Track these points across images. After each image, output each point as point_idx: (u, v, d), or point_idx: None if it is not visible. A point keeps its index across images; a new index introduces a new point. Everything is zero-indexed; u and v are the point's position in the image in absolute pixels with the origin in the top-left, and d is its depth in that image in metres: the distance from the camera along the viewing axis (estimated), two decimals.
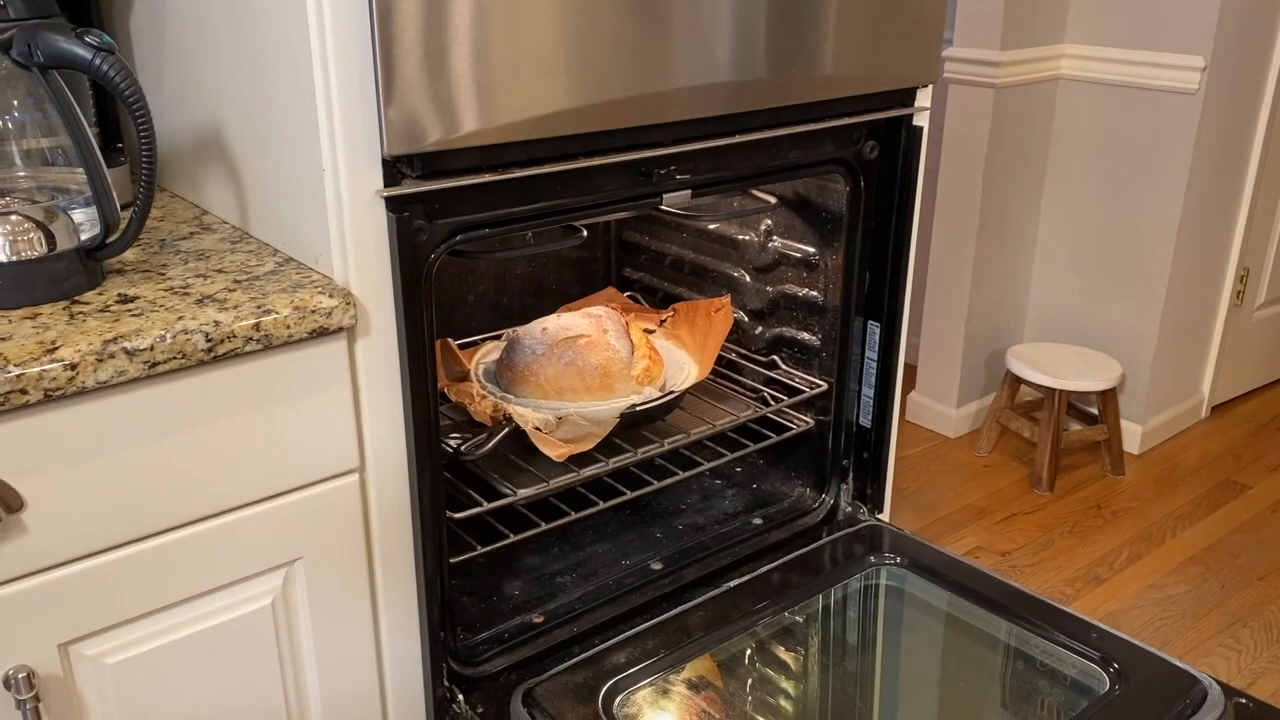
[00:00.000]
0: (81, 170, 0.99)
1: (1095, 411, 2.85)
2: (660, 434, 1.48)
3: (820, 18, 1.22)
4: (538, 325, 1.47)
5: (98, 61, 0.93)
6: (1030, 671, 1.32)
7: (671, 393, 1.48)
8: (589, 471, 1.39)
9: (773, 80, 1.21)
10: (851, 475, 1.59)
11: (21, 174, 1.01)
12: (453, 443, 1.33)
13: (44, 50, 0.94)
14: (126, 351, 0.89)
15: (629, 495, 1.45)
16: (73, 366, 0.86)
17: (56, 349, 0.87)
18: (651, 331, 1.65)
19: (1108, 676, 1.23)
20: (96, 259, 1.01)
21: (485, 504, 1.32)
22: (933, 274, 2.87)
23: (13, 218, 0.96)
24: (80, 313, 0.94)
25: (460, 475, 1.37)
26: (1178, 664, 1.24)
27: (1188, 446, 2.93)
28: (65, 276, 0.97)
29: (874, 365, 1.52)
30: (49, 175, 1.02)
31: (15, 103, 0.98)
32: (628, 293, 1.84)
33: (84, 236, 0.99)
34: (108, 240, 1.00)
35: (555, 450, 1.35)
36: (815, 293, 1.55)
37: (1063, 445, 2.72)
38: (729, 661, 1.35)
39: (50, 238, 0.96)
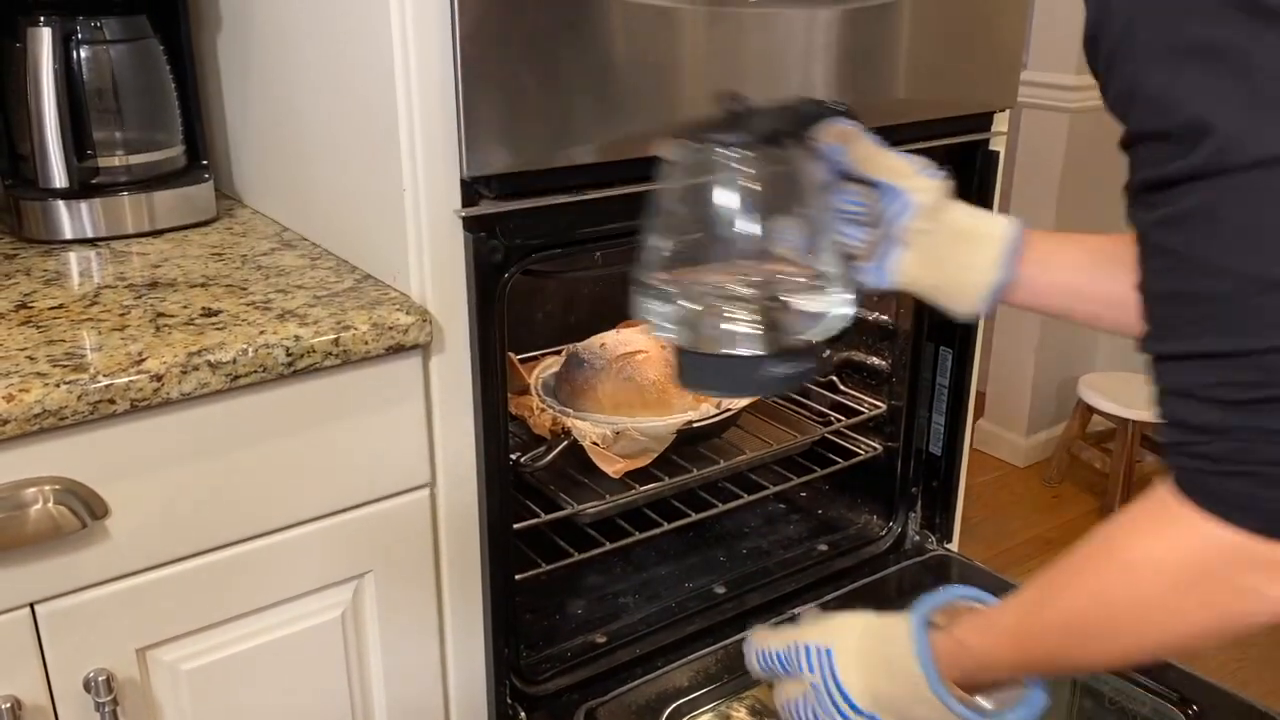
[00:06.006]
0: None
1: None
2: (718, 453, 1.48)
3: (896, 42, 1.21)
4: (596, 340, 1.48)
5: None
6: (1099, 709, 1.28)
7: (728, 410, 1.47)
8: (648, 489, 1.38)
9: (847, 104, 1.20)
10: (920, 503, 1.56)
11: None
12: (513, 455, 1.34)
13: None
14: (210, 364, 0.91)
15: (693, 517, 1.44)
16: (158, 378, 0.89)
17: (143, 360, 0.89)
18: None
19: (1185, 718, 1.19)
20: None
21: (542, 515, 1.32)
22: None
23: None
24: (166, 325, 0.97)
25: (520, 489, 1.37)
26: (1262, 708, 1.19)
27: None
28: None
29: (945, 391, 1.50)
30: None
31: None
32: None
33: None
34: None
35: (612, 465, 1.35)
36: (885, 316, 1.53)
37: (1136, 477, 2.65)
38: None
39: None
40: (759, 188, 0.82)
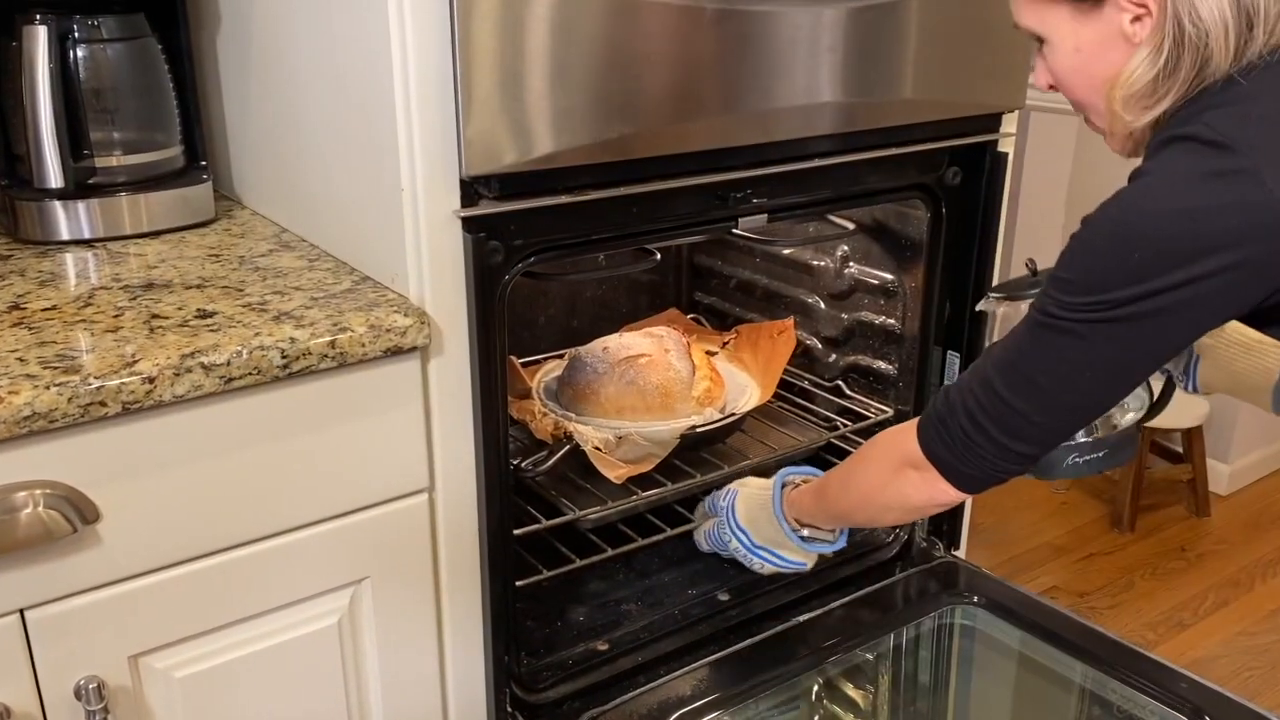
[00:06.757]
0: None
1: (1179, 449, 2.75)
2: (723, 458, 1.46)
3: (904, 42, 1.19)
4: (599, 344, 1.47)
5: None
6: (1109, 718, 1.26)
7: (732, 415, 1.45)
8: (651, 494, 1.37)
9: (854, 104, 1.19)
10: None
11: None
12: (514, 460, 1.32)
13: None
14: (203, 366, 0.89)
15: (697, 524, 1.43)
16: (150, 380, 0.87)
17: (136, 362, 0.88)
18: (714, 353, 1.63)
19: None
20: None
21: (544, 521, 1.30)
22: None
23: None
24: (160, 327, 0.95)
25: (522, 494, 1.36)
26: (1274, 718, 1.17)
27: (1279, 489, 2.81)
28: None
29: None
30: None
31: None
32: (691, 315, 1.83)
33: None
34: None
35: (614, 471, 1.34)
36: (892, 321, 1.52)
37: (1145, 484, 2.63)
38: (798, 698, 1.31)
39: None
40: None
